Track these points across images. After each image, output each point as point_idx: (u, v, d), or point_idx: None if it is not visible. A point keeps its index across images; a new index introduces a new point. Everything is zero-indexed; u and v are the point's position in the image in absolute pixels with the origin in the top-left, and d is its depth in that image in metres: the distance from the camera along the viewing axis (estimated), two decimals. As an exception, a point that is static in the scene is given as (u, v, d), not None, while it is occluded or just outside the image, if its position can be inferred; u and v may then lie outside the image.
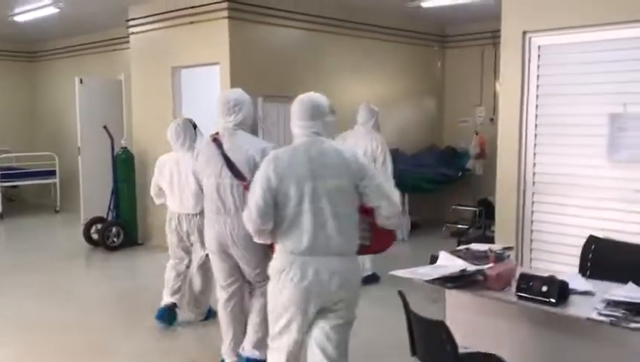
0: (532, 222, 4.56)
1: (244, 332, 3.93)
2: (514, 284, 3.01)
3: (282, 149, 3.01)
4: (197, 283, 4.85)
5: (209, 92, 7.58)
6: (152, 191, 4.92)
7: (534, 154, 4.53)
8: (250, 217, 2.91)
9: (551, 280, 2.90)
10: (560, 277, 2.97)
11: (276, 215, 2.87)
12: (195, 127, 4.88)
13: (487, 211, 7.89)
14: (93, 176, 8.60)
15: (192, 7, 7.00)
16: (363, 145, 5.62)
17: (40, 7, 7.87)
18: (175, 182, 4.68)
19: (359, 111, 5.96)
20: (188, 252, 4.87)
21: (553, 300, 2.83)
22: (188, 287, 4.93)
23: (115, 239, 7.67)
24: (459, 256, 3.50)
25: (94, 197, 8.50)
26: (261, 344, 3.70)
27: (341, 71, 7.93)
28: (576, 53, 4.32)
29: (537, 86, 4.48)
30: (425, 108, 9.43)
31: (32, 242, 8.59)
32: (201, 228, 4.34)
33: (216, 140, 3.68)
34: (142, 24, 7.83)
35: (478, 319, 3.26)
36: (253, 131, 4.05)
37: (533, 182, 4.55)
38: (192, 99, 8.01)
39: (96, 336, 4.88)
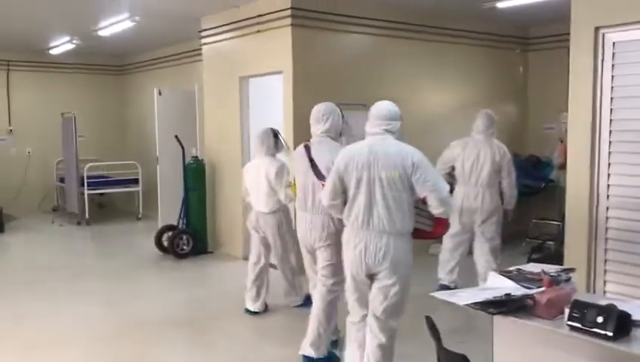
0: (606, 240, 4.07)
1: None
2: (566, 311, 2.64)
3: (353, 144, 3.66)
4: (284, 276, 5.56)
5: (274, 101, 7.57)
6: (243, 191, 5.63)
7: (609, 164, 4.05)
8: (324, 193, 3.71)
9: (609, 310, 2.51)
10: (628, 305, 2.58)
11: (345, 194, 3.57)
12: (276, 135, 5.43)
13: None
14: (169, 184, 8.76)
15: (259, 16, 6.97)
16: (489, 154, 5.65)
17: (119, 22, 8.15)
18: (254, 183, 5.35)
19: (477, 118, 5.82)
20: (266, 246, 5.49)
21: (610, 333, 2.45)
22: (283, 276, 5.57)
23: (184, 247, 7.75)
24: (510, 278, 3.16)
25: (171, 205, 8.64)
26: (318, 343, 4.21)
27: (413, 77, 7.62)
28: (659, 51, 3.83)
29: (612, 88, 4.00)
30: (506, 114, 8.86)
31: (110, 248, 8.90)
32: (280, 224, 5.28)
33: (306, 146, 4.28)
34: (213, 34, 7.91)
35: (527, 350, 2.89)
36: (338, 139, 4.35)
37: (608, 196, 4.06)
38: (259, 108, 8.01)
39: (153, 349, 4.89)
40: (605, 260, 4.08)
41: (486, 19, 8.16)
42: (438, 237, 4.18)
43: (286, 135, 6.77)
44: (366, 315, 3.64)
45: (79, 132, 10.73)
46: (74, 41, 9.81)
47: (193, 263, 7.60)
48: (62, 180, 11.41)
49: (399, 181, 3.39)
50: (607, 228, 4.08)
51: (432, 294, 3.05)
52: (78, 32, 9.23)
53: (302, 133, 6.58)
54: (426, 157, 3.51)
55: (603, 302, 2.65)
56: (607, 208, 4.08)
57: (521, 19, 8.46)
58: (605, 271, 4.09)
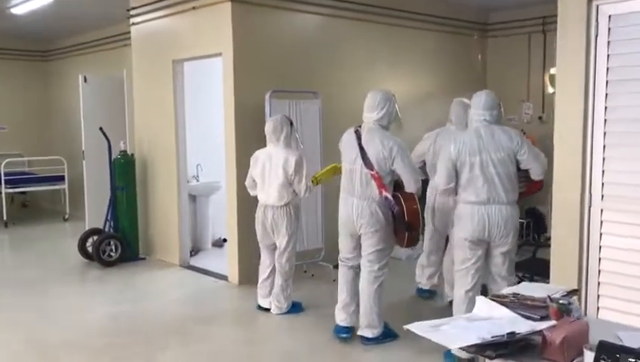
0: (600, 248, 3.48)
1: (353, 303, 4.52)
2: (588, 355, 2.00)
3: (461, 132, 4.31)
4: (278, 274, 5.15)
5: (212, 87, 6.77)
6: (247, 183, 5.21)
7: (603, 159, 3.45)
8: (438, 179, 4.11)
9: (648, 355, 1.88)
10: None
11: (457, 177, 4.00)
12: (291, 123, 5.07)
13: (536, 223, 6.79)
14: (97, 182, 7.81)
15: (195, -10, 6.15)
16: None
17: (33, -3, 7.17)
18: (266, 174, 4.98)
19: (452, 108, 5.41)
20: (273, 246, 5.15)
21: (652, 389, 1.83)
22: (279, 274, 5.16)
23: (112, 253, 6.86)
24: (503, 304, 2.51)
25: (99, 205, 7.69)
26: (374, 324, 4.40)
27: (365, 63, 6.93)
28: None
29: (607, 69, 3.40)
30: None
31: (29, 254, 7.87)
32: (290, 219, 4.99)
33: (357, 132, 4.31)
34: (143, 13, 7.02)
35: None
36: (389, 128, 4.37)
37: (602, 196, 3.47)
38: (196, 95, 7.19)
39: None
40: (599, 271, 3.50)
41: (445, 1, 7.58)
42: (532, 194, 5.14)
43: (226, 125, 6.02)
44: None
45: (-1, 123, 9.70)
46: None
47: (122, 272, 6.71)
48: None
49: (507, 159, 3.90)
50: (601, 234, 3.49)
51: (407, 327, 2.39)
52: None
53: (244, 124, 5.86)
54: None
55: (629, 339, 2.03)
56: (602, 210, 3.49)
57: (481, 3, 7.91)
58: (599, 283, 3.50)
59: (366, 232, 4.30)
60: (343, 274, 4.58)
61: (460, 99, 5.39)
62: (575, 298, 2.55)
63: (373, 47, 7.04)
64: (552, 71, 7.83)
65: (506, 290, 2.67)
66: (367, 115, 4.33)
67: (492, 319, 2.43)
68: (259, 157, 5.07)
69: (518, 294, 2.55)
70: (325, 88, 6.39)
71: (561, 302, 2.35)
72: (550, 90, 7.83)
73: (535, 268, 4.73)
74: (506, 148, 3.91)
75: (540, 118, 7.79)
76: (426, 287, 5.70)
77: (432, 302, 5.60)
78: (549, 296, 2.42)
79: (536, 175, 4.00)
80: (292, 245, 5.11)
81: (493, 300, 2.55)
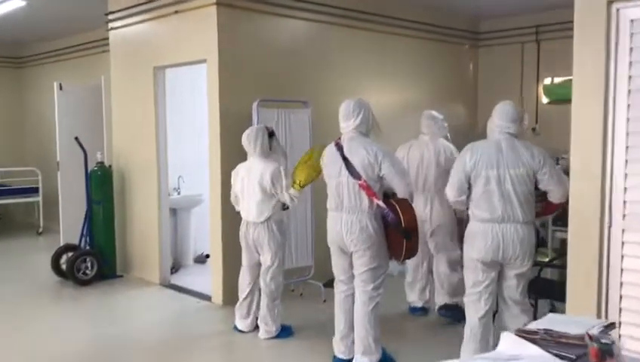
0: (622, 271, 3.22)
1: (352, 333, 4.19)
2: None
3: (480, 142, 3.86)
4: (263, 294, 4.86)
5: (194, 95, 6.46)
6: (231, 198, 5.02)
7: (625, 174, 3.18)
8: (448, 190, 3.89)
9: None
10: None
11: (470, 190, 3.77)
12: (271, 135, 4.83)
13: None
14: (73, 195, 7.37)
15: (177, -7, 5.82)
16: (432, 156, 5.26)
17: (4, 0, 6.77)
18: (245, 188, 4.78)
19: (422, 121, 5.39)
20: (257, 264, 4.89)
21: None
22: (265, 295, 4.87)
23: (87, 271, 6.45)
24: (533, 341, 2.21)
25: (75, 219, 7.27)
26: (370, 350, 4.08)
27: (355, 71, 6.66)
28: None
29: (629, 78, 3.15)
30: (454, 116, 8.07)
31: (0, 271, 7.43)
32: (273, 235, 4.73)
33: (337, 144, 4.11)
34: (122, 17, 6.67)
35: None
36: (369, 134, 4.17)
37: (624, 215, 3.20)
38: (179, 104, 6.85)
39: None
40: (621, 296, 3.23)
41: (435, 9, 7.35)
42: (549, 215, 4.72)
43: (211, 136, 5.69)
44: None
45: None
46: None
47: (98, 291, 6.31)
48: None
49: (527, 177, 3.68)
50: (622, 256, 3.22)
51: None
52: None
53: (230, 134, 5.52)
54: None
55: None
56: (623, 231, 3.21)
57: (472, 11, 7.70)
58: (620, 309, 3.23)
59: (357, 249, 4.03)
60: (340, 302, 4.27)
61: (429, 112, 5.44)
62: (614, 334, 2.27)
63: (363, 56, 6.78)
64: (546, 81, 7.64)
65: (535, 324, 2.37)
66: (343, 124, 4.12)
67: (520, 359, 2.15)
68: (239, 171, 4.87)
69: (551, 330, 2.25)
70: (315, 97, 6.09)
71: (603, 341, 2.06)
72: (544, 100, 7.63)
73: (541, 289, 4.45)
74: (527, 164, 3.68)
75: (534, 129, 7.56)
76: (419, 305, 5.48)
77: (427, 318, 5.36)
78: (588, 334, 2.13)
79: (555, 198, 3.80)
80: (277, 263, 4.80)
81: (521, 336, 2.25)
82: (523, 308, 3.83)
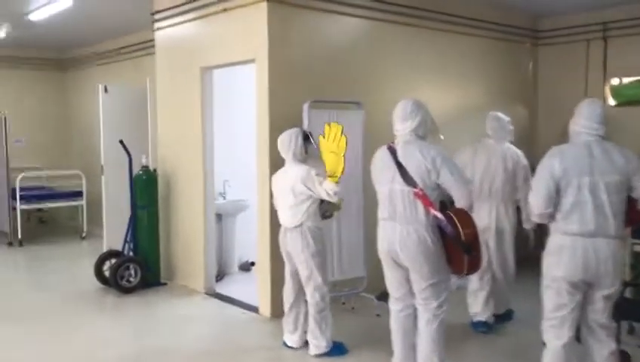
0: None
1: (411, 355, 3.87)
2: None
3: (567, 145, 3.45)
4: (310, 306, 4.53)
5: (241, 97, 6.21)
6: (274, 204, 4.76)
7: None
8: (534, 201, 3.42)
9: None
10: None
11: (558, 201, 3.34)
12: (307, 137, 4.54)
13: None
14: (117, 199, 7.20)
15: (226, -9, 5.59)
16: (500, 161, 5.02)
17: (52, 1, 6.67)
18: (279, 194, 4.58)
19: (488, 123, 5.18)
20: (297, 274, 4.57)
21: None
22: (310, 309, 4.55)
23: (131, 278, 6.26)
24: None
25: (119, 223, 7.09)
26: None
27: (409, 71, 6.31)
28: None
29: None
30: (513, 118, 7.60)
31: (40, 277, 7.36)
32: (307, 242, 4.40)
33: (390, 148, 3.77)
34: (168, 17, 6.48)
35: None
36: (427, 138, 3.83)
37: None
38: (226, 106, 6.61)
39: None
40: None
41: (494, 6, 6.95)
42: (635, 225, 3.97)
43: (259, 139, 5.43)
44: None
45: (15, 136, 9.35)
46: (4, 29, 8.22)
47: (142, 299, 6.11)
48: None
49: (621, 185, 3.31)
50: None
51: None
52: (6, 14, 7.65)
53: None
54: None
55: None
56: None
57: (532, 8, 7.26)
58: None
59: (415, 264, 3.67)
60: (397, 322, 3.93)
61: (495, 113, 5.23)
62: None
63: (419, 55, 6.43)
64: (614, 82, 7.14)
65: None
66: (399, 126, 3.79)
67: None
68: (277, 177, 4.66)
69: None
70: (368, 98, 5.77)
71: None
72: (611, 102, 7.13)
73: (624, 310, 4.01)
74: (622, 170, 3.27)
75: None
76: (482, 318, 5.09)
77: (494, 336, 5.00)
78: None
79: None
80: (316, 273, 4.45)
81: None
82: (609, 333, 3.42)
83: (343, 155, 4.40)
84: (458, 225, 3.52)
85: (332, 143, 4.39)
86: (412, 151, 3.68)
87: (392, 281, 3.88)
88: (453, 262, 3.66)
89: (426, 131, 3.78)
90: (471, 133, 6.16)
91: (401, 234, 3.66)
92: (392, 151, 3.73)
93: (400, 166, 3.66)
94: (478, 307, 5.12)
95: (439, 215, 3.56)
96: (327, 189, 4.27)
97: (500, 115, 5.21)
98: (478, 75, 7.12)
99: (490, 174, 5.00)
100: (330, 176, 4.33)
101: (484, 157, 5.03)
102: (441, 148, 3.74)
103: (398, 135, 3.80)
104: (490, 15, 7.00)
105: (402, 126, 3.76)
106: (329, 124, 4.46)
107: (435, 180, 3.61)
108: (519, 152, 5.13)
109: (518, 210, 5.16)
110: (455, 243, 3.55)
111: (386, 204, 3.77)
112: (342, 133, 4.37)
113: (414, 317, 3.85)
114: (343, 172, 4.45)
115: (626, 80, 7.02)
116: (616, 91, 7.06)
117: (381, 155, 3.84)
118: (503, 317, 5.25)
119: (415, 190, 3.59)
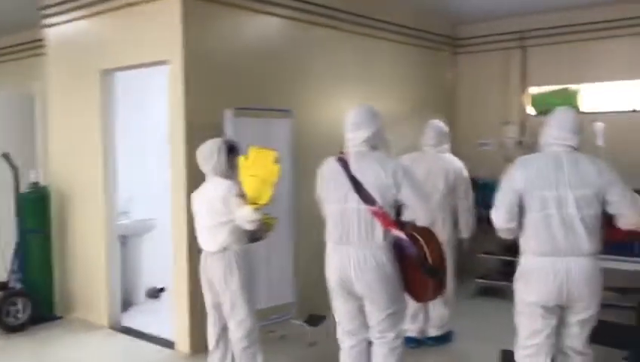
0: None
1: None
2: None
3: (533, 155, 3.24)
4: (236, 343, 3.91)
5: (147, 103, 5.55)
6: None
7: None
8: (495, 215, 3.16)
9: None
10: None
11: (522, 216, 3.10)
12: (232, 149, 3.89)
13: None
14: (3, 222, 6.24)
15: (131, -17, 4.92)
16: (441, 171, 4.79)
17: None
18: (198, 212, 3.97)
19: (428, 131, 4.95)
20: (219, 306, 3.92)
21: None
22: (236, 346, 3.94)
23: (18, 314, 5.37)
24: None
25: (3, 251, 6.12)
26: None
27: (335, 76, 5.93)
28: None
29: None
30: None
31: None
32: (230, 269, 3.77)
33: (341, 159, 3.35)
34: (61, 12, 5.69)
35: None
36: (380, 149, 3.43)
37: None
38: (126, 112, 5.87)
39: None
40: None
41: (415, 10, 6.74)
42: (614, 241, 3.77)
43: (173, 151, 4.80)
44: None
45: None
46: None
47: (32, 339, 5.24)
48: None
49: (593, 198, 3.03)
50: None
51: None
52: None
53: (197, 148, 4.63)
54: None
55: None
56: None
57: (450, 14, 7.12)
58: None
59: (372, 293, 3.26)
60: (349, 359, 3.46)
61: (436, 122, 5.05)
62: None
63: (344, 59, 6.06)
64: (532, 90, 7.14)
65: None
66: (352, 135, 3.37)
67: None
68: (196, 195, 4.02)
69: None
70: (294, 105, 5.31)
71: None
72: (530, 111, 7.11)
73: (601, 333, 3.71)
74: (594, 183, 3.03)
75: (521, 142, 7.00)
76: (412, 334, 4.82)
77: (420, 351, 4.75)
78: None
79: (626, 223, 3.10)
80: (240, 304, 3.83)
81: None
82: (585, 359, 3.15)
83: (272, 185, 3.69)
84: (424, 246, 3.15)
85: (258, 168, 3.70)
86: (368, 163, 3.28)
87: (343, 314, 3.42)
88: (415, 288, 3.27)
89: (380, 142, 3.39)
90: (394, 141, 5.89)
91: (356, 260, 3.23)
92: (344, 164, 3.29)
93: (354, 181, 3.23)
94: (405, 323, 4.82)
95: (402, 235, 3.15)
96: (242, 216, 3.63)
97: (441, 123, 5.00)
98: (400, 83, 6.86)
99: (429, 185, 4.67)
100: (252, 203, 3.67)
101: (424, 168, 4.73)
102: (398, 161, 3.38)
103: (349, 145, 3.38)
104: (411, 21, 6.78)
105: (354, 135, 3.35)
106: (257, 149, 3.76)
107: (395, 196, 3.20)
108: (461, 164, 4.91)
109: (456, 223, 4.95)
110: (419, 266, 3.16)
111: (337, 225, 3.31)
112: (276, 161, 3.68)
113: (368, 352, 3.40)
114: (269, 202, 3.71)
115: (545, 88, 7.03)
116: (537, 100, 7.06)
117: (330, 168, 3.39)
118: (442, 339, 4.97)
119: (373, 208, 3.17)
